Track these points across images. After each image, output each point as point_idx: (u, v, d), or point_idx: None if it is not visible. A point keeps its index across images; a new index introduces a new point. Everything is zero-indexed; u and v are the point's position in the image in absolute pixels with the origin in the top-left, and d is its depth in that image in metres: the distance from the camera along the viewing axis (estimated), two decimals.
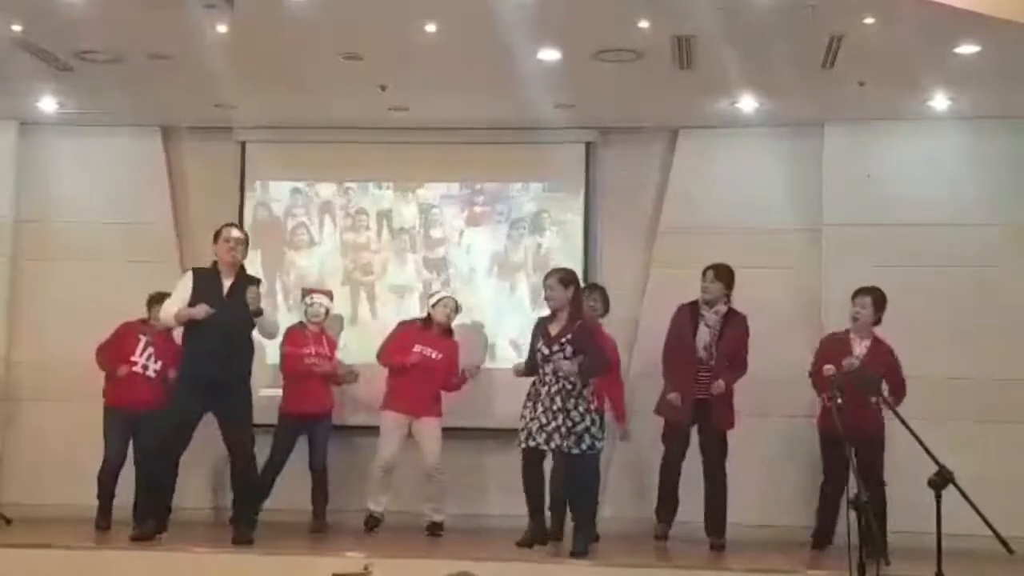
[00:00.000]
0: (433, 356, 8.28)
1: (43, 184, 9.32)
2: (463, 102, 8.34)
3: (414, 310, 9.00)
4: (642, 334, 8.64)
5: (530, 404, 7.23)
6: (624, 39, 7.05)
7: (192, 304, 7.34)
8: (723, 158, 8.94)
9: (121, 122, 9.16)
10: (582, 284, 8.28)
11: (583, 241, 9.05)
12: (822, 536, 7.78)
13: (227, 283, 7.44)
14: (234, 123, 9.13)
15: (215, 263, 7.55)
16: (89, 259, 9.09)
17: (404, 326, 8.52)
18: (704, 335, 7.86)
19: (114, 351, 8.30)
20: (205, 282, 7.44)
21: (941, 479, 4.52)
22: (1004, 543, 4.50)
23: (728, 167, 8.92)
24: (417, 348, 8.28)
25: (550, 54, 7.31)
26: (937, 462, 4.60)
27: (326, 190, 9.33)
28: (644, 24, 6.72)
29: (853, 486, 4.84)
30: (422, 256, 9.23)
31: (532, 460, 7.26)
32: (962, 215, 8.48)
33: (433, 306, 8.44)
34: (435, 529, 8.25)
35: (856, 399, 6.99)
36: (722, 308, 7.89)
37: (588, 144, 9.10)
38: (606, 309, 8.22)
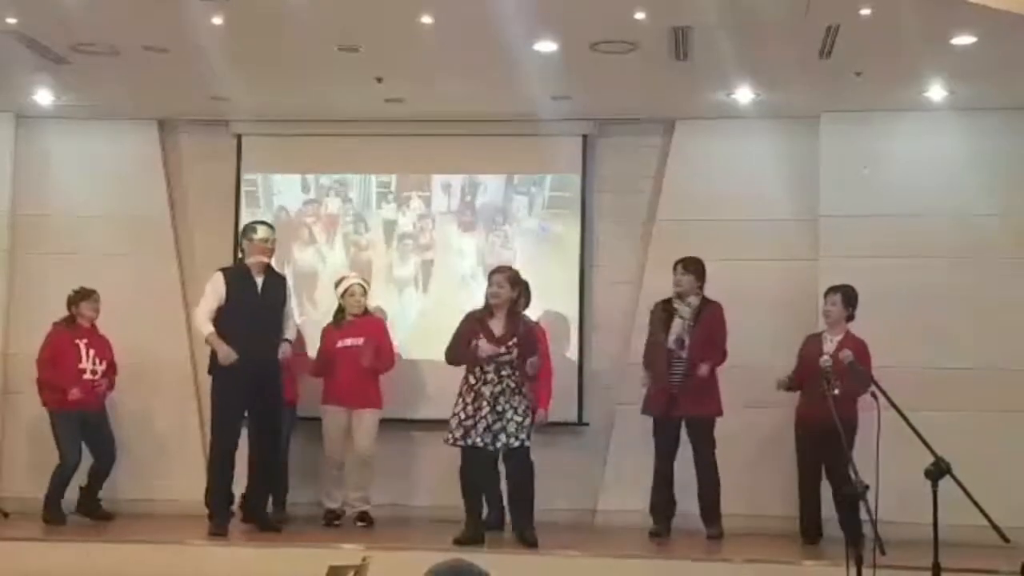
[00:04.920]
0: (358, 344, 8.32)
1: (40, 177, 9.31)
2: (460, 94, 8.33)
3: (414, 302, 9.09)
4: (639, 326, 8.62)
5: (469, 402, 7.31)
6: (621, 30, 7.03)
7: (228, 302, 7.68)
8: (720, 149, 8.93)
9: (118, 115, 9.16)
10: (583, 274, 8.76)
11: (580, 233, 9.04)
12: (812, 530, 7.80)
13: (259, 280, 7.78)
14: (230, 116, 9.12)
15: (241, 260, 7.83)
16: (86, 252, 9.07)
17: (326, 328, 8.56)
18: (677, 327, 7.97)
19: (57, 364, 8.37)
20: (238, 282, 7.74)
21: (937, 469, 4.52)
22: (1001, 533, 4.51)
23: (725, 158, 8.91)
24: (340, 344, 8.35)
25: (547, 46, 7.30)
26: (934, 453, 4.60)
27: (327, 188, 9.33)
28: (641, 15, 6.71)
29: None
30: (418, 255, 9.22)
31: (481, 460, 7.37)
32: (960, 206, 8.46)
33: (342, 296, 8.49)
34: (363, 518, 8.31)
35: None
36: (695, 300, 8.01)
37: (585, 136, 9.08)
38: (527, 302, 8.00)
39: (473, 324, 7.44)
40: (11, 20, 6.98)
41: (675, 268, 8.06)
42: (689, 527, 8.02)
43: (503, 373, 7.31)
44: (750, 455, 8.41)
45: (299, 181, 9.37)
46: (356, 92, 8.32)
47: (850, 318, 7.91)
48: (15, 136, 9.28)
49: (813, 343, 7.88)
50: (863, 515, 4.89)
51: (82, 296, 8.48)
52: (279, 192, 9.36)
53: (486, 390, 7.29)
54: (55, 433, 8.35)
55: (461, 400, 7.37)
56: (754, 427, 8.43)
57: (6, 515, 8.33)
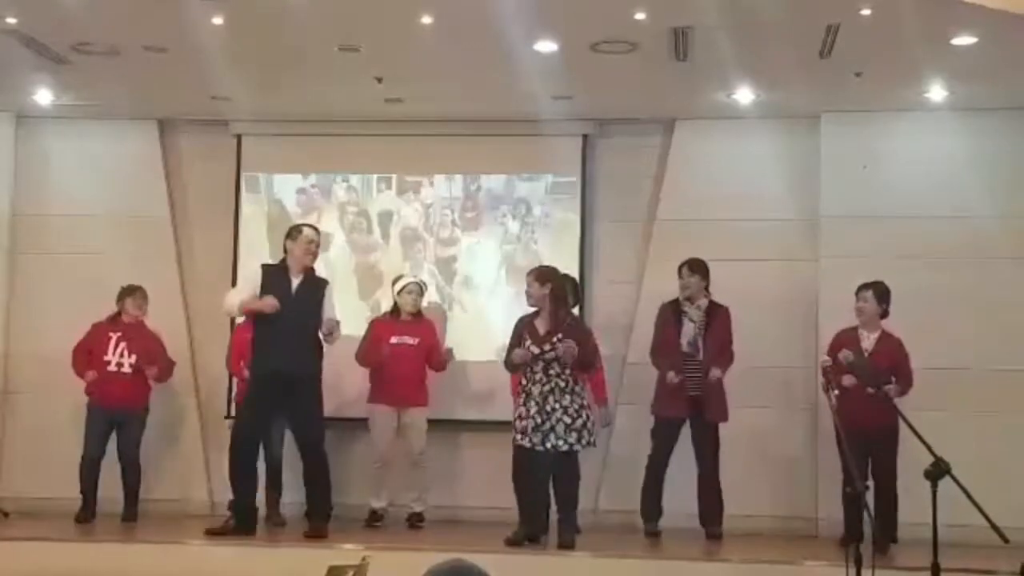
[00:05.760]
0: (410, 343, 8.32)
1: (40, 177, 9.31)
2: (460, 94, 8.33)
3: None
4: (639, 325, 8.63)
5: (521, 403, 7.29)
6: (621, 31, 7.04)
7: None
8: (720, 149, 8.93)
9: (118, 115, 9.16)
10: (583, 273, 8.70)
11: (580, 233, 9.04)
12: (853, 534, 7.73)
13: (296, 281, 7.54)
14: (230, 116, 9.12)
15: (284, 260, 7.63)
16: (86, 252, 9.07)
17: (376, 322, 8.57)
18: (689, 330, 7.94)
19: (87, 353, 8.42)
20: (274, 278, 7.53)
21: (937, 470, 4.53)
22: (1000, 533, 4.52)
23: (725, 158, 8.91)
24: (393, 340, 8.32)
25: (547, 46, 7.30)
26: (933, 453, 4.61)
27: (329, 187, 9.32)
28: (641, 16, 6.71)
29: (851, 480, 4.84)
30: (428, 255, 9.20)
31: (526, 462, 7.28)
32: (960, 206, 8.46)
33: (399, 293, 8.47)
34: (415, 520, 8.31)
35: (863, 392, 7.07)
36: (703, 302, 7.97)
37: (585, 136, 9.08)
38: (576, 300, 8.20)
39: (521, 327, 7.42)
40: (11, 20, 6.98)
41: (680, 271, 8.02)
42: (689, 527, 8.00)
43: (551, 372, 7.23)
44: (750, 455, 8.40)
45: (299, 181, 9.37)
46: (356, 92, 8.31)
47: (884, 315, 7.75)
48: (15, 136, 9.29)
49: (846, 337, 7.71)
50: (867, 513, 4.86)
51: (127, 292, 8.52)
52: (279, 192, 9.35)
53: (535, 389, 7.23)
54: (84, 425, 8.42)
55: (519, 401, 7.35)
56: (754, 427, 8.42)
57: (6, 515, 8.32)
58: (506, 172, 9.19)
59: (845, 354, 7.46)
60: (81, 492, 8.31)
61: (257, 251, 9.07)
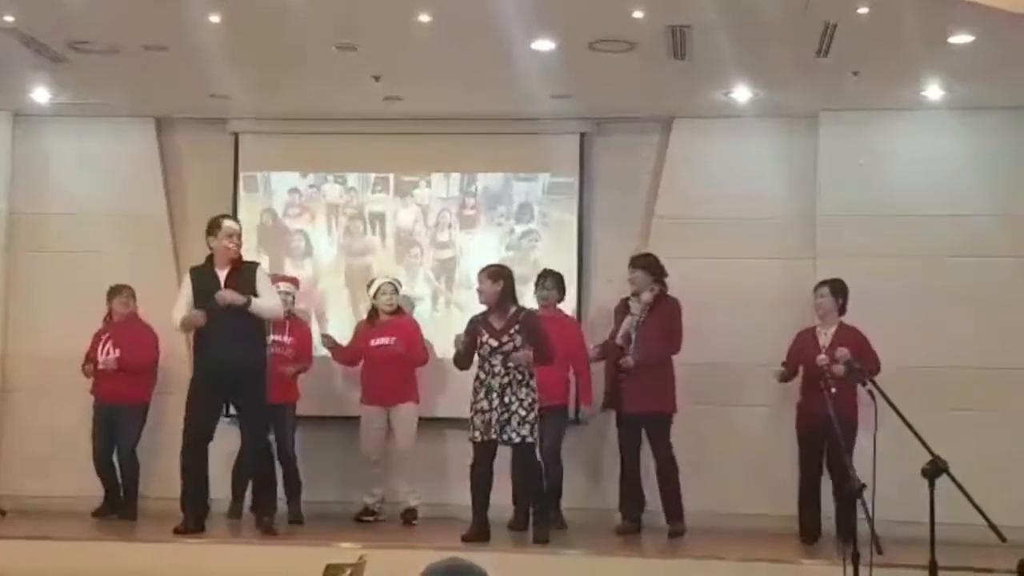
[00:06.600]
0: (387, 344, 8.35)
1: (37, 175, 9.30)
2: (458, 93, 8.33)
3: (427, 300, 9.14)
4: None
5: (480, 398, 7.36)
6: (619, 29, 7.03)
7: (196, 304, 7.45)
8: (718, 148, 8.93)
9: (116, 113, 9.15)
10: (581, 272, 8.81)
11: (577, 232, 9.04)
12: (811, 529, 7.77)
13: (222, 274, 7.51)
14: (228, 114, 9.12)
15: (211, 256, 7.60)
16: (83, 250, 9.07)
17: (359, 325, 8.66)
18: (625, 324, 7.98)
19: (89, 359, 8.51)
20: (202, 279, 7.54)
21: (934, 468, 4.52)
22: (997, 532, 4.50)
23: (723, 157, 8.91)
24: (372, 343, 8.40)
25: (545, 44, 7.30)
26: (930, 451, 4.60)
27: (324, 188, 9.31)
28: (639, 14, 6.71)
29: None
30: (424, 258, 9.20)
31: (484, 456, 7.40)
32: (959, 205, 8.45)
33: (374, 296, 8.52)
34: (410, 517, 8.34)
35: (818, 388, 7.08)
36: (647, 296, 7.98)
37: (583, 135, 9.08)
38: (561, 295, 8.38)
39: (476, 325, 7.51)
40: (8, 18, 6.97)
41: (629, 267, 8.10)
42: (688, 526, 7.99)
43: (509, 365, 7.34)
44: (749, 454, 8.40)
45: (297, 179, 9.35)
46: (354, 90, 8.31)
47: (842, 310, 7.88)
48: (12, 135, 9.27)
49: (806, 337, 7.84)
50: (860, 514, 4.86)
51: (113, 293, 8.59)
52: (277, 190, 9.34)
53: (494, 383, 7.34)
54: None
55: (474, 395, 7.42)
56: (752, 425, 8.43)
57: (3, 513, 8.34)
58: (503, 171, 9.18)
59: (842, 352, 7.48)
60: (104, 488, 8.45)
61: (254, 250, 9.06)
